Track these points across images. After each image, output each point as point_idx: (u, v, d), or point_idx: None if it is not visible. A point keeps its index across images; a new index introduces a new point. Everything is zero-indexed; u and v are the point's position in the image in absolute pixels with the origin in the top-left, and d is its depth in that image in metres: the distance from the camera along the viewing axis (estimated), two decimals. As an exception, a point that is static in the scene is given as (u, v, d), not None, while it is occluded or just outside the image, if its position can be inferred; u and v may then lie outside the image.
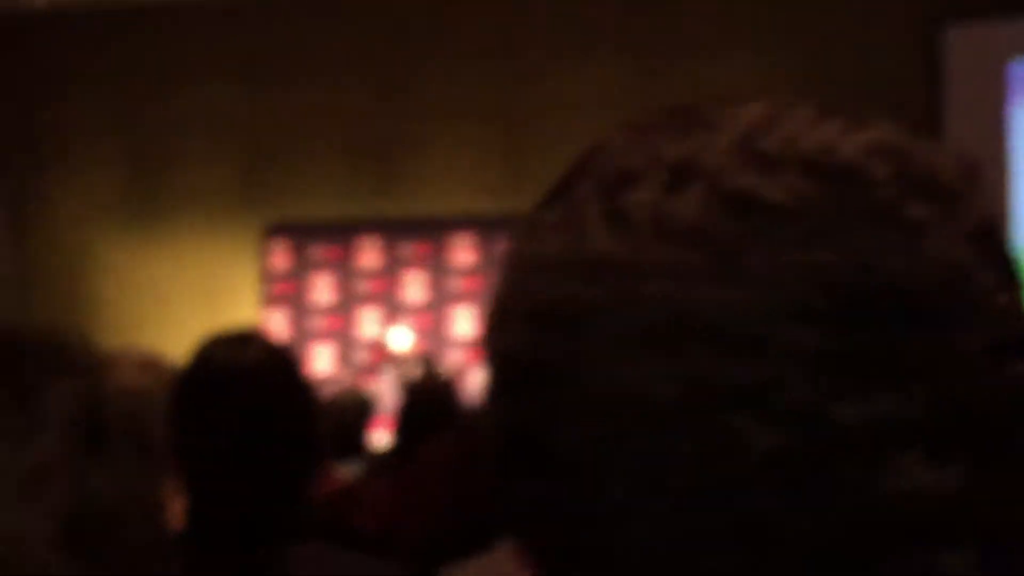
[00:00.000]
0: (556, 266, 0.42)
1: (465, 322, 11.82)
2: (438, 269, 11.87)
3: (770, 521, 0.38)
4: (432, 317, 11.84)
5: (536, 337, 0.42)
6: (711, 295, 0.39)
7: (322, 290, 12.14)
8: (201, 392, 1.77)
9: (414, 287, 11.97)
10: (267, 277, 12.19)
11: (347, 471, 4.32)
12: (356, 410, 4.86)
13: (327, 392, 5.76)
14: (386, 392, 9.59)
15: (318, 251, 12.11)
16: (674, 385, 0.39)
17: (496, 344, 0.45)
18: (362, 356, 11.74)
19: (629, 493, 0.40)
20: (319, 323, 11.99)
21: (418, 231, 11.86)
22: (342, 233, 11.99)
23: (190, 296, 11.86)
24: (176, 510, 1.51)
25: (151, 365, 2.16)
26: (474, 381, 10.45)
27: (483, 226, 11.71)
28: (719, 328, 0.38)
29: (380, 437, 5.57)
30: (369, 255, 12.05)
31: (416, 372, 9.56)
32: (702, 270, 0.39)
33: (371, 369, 11.29)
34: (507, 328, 0.44)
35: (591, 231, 0.42)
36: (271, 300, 12.13)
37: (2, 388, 0.69)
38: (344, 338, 11.90)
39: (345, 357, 11.41)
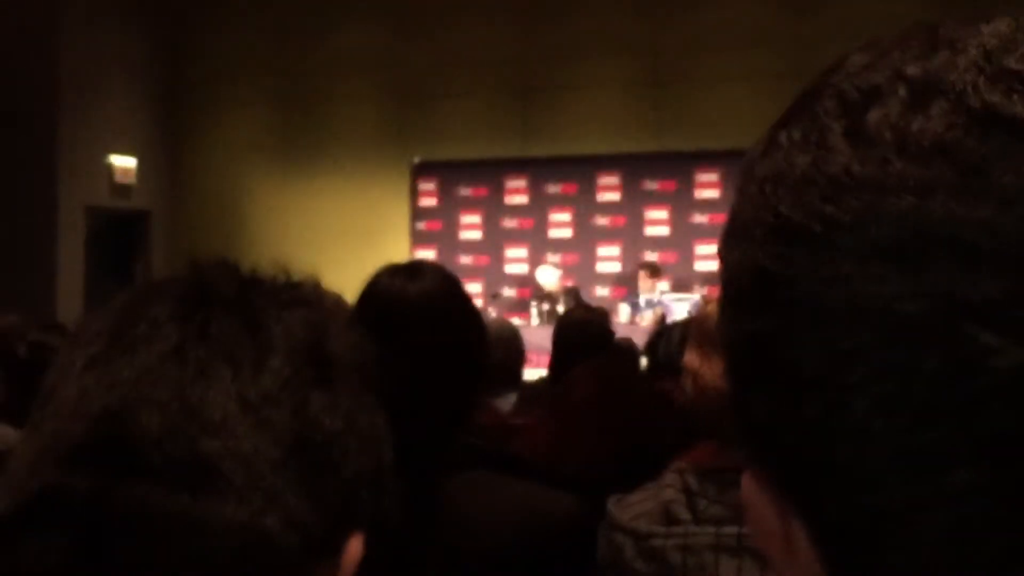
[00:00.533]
0: (799, 184, 0.43)
1: (610, 258, 11.81)
2: (584, 207, 11.86)
3: (1012, 438, 0.38)
4: (578, 254, 11.86)
5: (779, 252, 0.43)
6: (958, 210, 0.39)
7: (470, 228, 12.24)
8: (375, 322, 1.80)
9: (560, 224, 11.98)
10: (416, 215, 12.34)
11: (501, 403, 4.37)
12: (507, 343, 4.87)
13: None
14: (536, 326, 9.64)
15: (466, 190, 12.20)
16: (919, 300, 0.39)
17: (736, 259, 0.46)
18: (510, 292, 11.83)
19: (871, 408, 0.40)
20: (467, 260, 12.11)
21: (563, 169, 11.85)
22: (489, 172, 12.06)
23: (342, 233, 12.06)
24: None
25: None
26: (620, 315, 10.45)
27: (628, 164, 11.65)
28: (965, 243, 0.39)
29: (531, 371, 5.60)
30: (515, 193, 12.10)
31: (565, 306, 9.59)
32: (948, 185, 0.39)
33: (520, 304, 11.37)
34: (748, 243, 0.45)
35: (834, 149, 0.42)
36: (420, 237, 12.29)
37: (233, 317, 0.72)
38: (492, 274, 12.00)
39: (494, 293, 11.49)
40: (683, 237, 11.52)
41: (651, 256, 11.45)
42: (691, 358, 1.83)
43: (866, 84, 0.43)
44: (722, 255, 0.47)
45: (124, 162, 12.18)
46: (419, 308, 1.84)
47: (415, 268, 1.91)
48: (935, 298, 0.39)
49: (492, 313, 9.92)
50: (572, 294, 10.62)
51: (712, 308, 1.85)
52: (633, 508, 1.81)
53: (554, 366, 4.30)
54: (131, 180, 12.29)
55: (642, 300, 10.63)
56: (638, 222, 11.70)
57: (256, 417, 0.67)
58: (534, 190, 12.00)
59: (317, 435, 0.69)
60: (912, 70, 0.42)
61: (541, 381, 4.75)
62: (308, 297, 0.76)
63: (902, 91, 0.42)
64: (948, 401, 0.39)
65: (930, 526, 0.40)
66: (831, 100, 0.44)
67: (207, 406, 0.67)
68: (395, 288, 1.86)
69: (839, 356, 0.41)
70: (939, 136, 0.40)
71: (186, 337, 0.69)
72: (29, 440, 0.70)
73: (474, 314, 1.95)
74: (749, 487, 0.49)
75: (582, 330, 4.97)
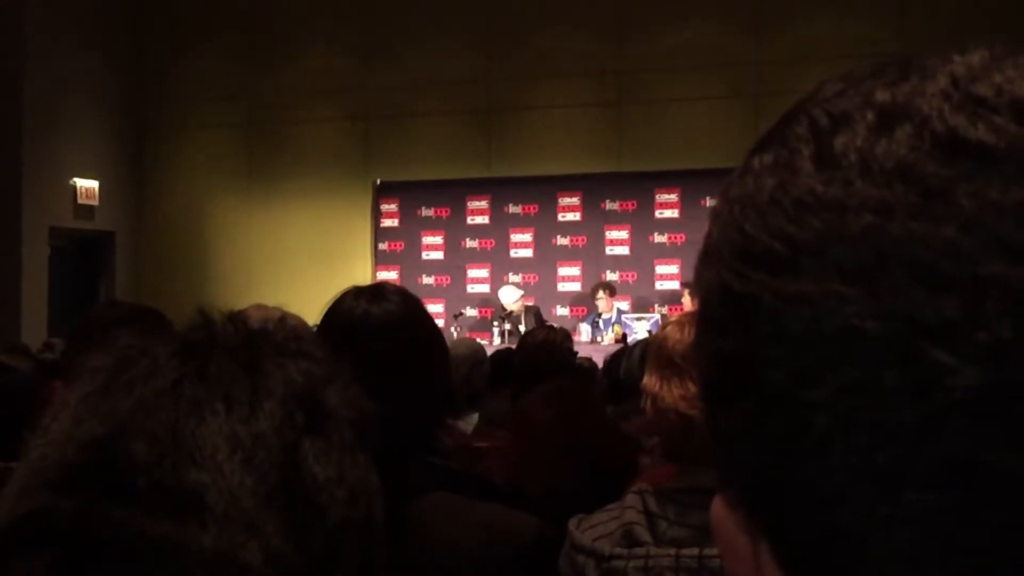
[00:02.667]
0: (765, 205, 0.44)
1: (571, 278, 11.85)
2: (545, 226, 11.90)
3: (969, 458, 0.38)
4: (539, 273, 11.88)
5: (743, 272, 0.44)
6: (918, 231, 0.40)
7: (432, 248, 12.25)
8: (338, 344, 1.80)
9: (521, 244, 12.01)
10: (378, 236, 12.34)
11: (465, 423, 4.37)
12: (471, 363, 4.87)
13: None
14: (497, 345, 9.65)
15: (428, 210, 12.21)
16: (878, 320, 0.40)
17: (707, 278, 0.47)
18: (472, 312, 11.84)
19: (831, 426, 0.41)
20: (429, 280, 12.11)
21: (525, 189, 11.89)
22: (451, 192, 12.08)
23: (306, 253, 12.04)
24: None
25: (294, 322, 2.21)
26: (581, 334, 10.48)
27: (588, 184, 11.70)
28: (925, 264, 0.39)
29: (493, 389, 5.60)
30: (477, 214, 12.13)
31: (527, 325, 9.61)
32: (908, 207, 0.40)
33: (482, 324, 11.38)
34: (717, 263, 0.46)
35: (800, 171, 0.43)
36: (382, 258, 12.28)
37: (234, 360, 0.73)
38: (454, 294, 12.01)
39: (456, 312, 11.50)
40: (643, 256, 11.57)
41: (612, 275, 11.50)
42: (650, 381, 1.85)
43: (836, 109, 0.44)
44: (696, 276, 0.48)
45: (87, 183, 12.12)
46: (382, 330, 1.84)
47: (378, 290, 1.92)
48: (893, 318, 0.39)
49: (455, 333, 9.93)
50: (533, 313, 10.65)
51: (670, 330, 1.86)
52: (595, 529, 1.83)
53: (516, 386, 4.30)
54: (94, 201, 12.24)
55: (602, 319, 10.67)
56: (598, 242, 11.75)
57: (244, 454, 0.68)
58: (495, 210, 12.03)
59: (305, 479, 0.70)
60: (881, 96, 0.43)
61: (504, 402, 4.75)
62: (311, 351, 0.77)
63: (870, 116, 0.43)
64: (905, 421, 0.39)
65: (887, 547, 0.40)
66: (802, 125, 0.45)
67: (198, 440, 0.68)
68: (358, 310, 1.86)
69: (801, 374, 0.41)
70: (902, 159, 0.41)
71: (184, 375, 0.71)
72: (22, 466, 0.71)
73: (437, 336, 1.96)
74: (719, 509, 0.49)
75: (544, 350, 4.99)
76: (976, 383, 0.38)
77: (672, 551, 1.73)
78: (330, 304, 1.91)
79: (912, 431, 0.39)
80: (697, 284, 0.48)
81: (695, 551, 1.71)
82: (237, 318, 0.78)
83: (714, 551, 1.69)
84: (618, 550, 1.77)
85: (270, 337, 0.76)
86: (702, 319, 0.47)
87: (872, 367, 0.40)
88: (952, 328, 0.39)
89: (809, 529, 0.43)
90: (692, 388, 1.78)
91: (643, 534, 1.77)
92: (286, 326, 0.78)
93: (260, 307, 2.79)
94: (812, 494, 0.42)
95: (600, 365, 6.09)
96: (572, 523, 1.86)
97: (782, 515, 0.44)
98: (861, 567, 0.42)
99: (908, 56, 0.45)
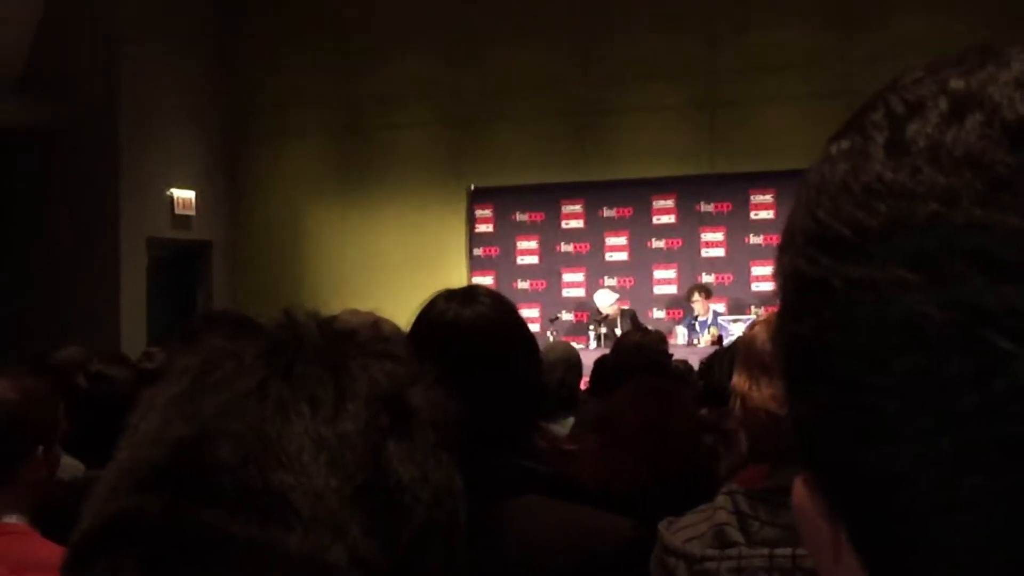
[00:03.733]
0: (837, 191, 0.45)
1: (667, 280, 11.78)
2: (639, 229, 11.85)
3: None
4: (635, 277, 11.84)
5: (813, 257, 0.45)
6: (982, 219, 0.40)
7: (526, 252, 12.27)
8: (429, 347, 1.82)
9: (616, 248, 11.98)
10: (473, 241, 12.39)
11: (560, 427, 4.37)
12: (566, 366, 4.88)
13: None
14: (594, 349, 9.62)
15: (522, 215, 12.24)
16: (941, 307, 0.40)
17: (783, 264, 0.48)
18: (568, 316, 11.84)
19: (898, 411, 0.41)
20: (524, 285, 12.13)
21: (619, 193, 11.85)
22: (545, 197, 12.09)
23: (401, 261, 12.13)
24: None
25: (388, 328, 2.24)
26: (678, 336, 10.41)
27: (683, 186, 11.64)
28: (988, 252, 0.40)
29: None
30: (571, 218, 12.12)
31: (622, 328, 9.58)
32: (974, 194, 0.40)
33: (578, 327, 11.37)
34: (792, 249, 0.47)
35: (872, 157, 0.44)
36: (477, 263, 12.33)
37: (319, 362, 0.75)
38: (550, 298, 12.01)
39: (552, 316, 11.50)
40: (739, 258, 11.47)
41: (707, 278, 11.41)
42: (739, 380, 1.84)
43: (912, 97, 0.45)
44: (775, 262, 0.49)
45: (184, 194, 12.34)
46: (474, 332, 1.85)
47: (470, 293, 1.93)
48: (957, 305, 0.40)
49: (550, 337, 9.93)
50: (629, 316, 10.61)
51: (759, 330, 1.85)
52: (685, 531, 1.82)
53: (611, 389, 4.29)
54: (191, 211, 12.44)
55: (698, 322, 10.60)
56: (694, 244, 11.67)
57: (330, 455, 0.69)
58: (590, 214, 12.01)
59: (389, 480, 0.71)
60: (955, 84, 0.44)
61: (599, 405, 4.75)
62: (396, 352, 0.78)
63: (943, 104, 0.43)
64: (967, 406, 0.40)
65: (949, 531, 0.41)
66: (879, 112, 0.46)
67: (283, 441, 0.68)
68: (450, 313, 1.88)
69: (867, 359, 0.42)
70: (971, 147, 0.41)
71: (270, 376, 0.71)
72: (111, 467, 0.72)
73: (529, 338, 1.96)
74: (800, 492, 0.50)
75: (639, 352, 4.98)
76: None
77: (765, 551, 1.72)
78: (422, 307, 1.93)
79: (973, 417, 0.40)
80: (776, 271, 0.49)
81: (788, 551, 1.70)
82: (322, 319, 0.79)
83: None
84: (710, 551, 1.76)
85: (354, 338, 0.77)
86: (780, 305, 0.48)
87: (936, 353, 0.40)
88: (1014, 316, 0.39)
89: (877, 512, 0.44)
90: (782, 388, 1.76)
91: (735, 535, 1.76)
92: (372, 328, 0.79)
93: (354, 312, 2.83)
94: (879, 478, 0.43)
95: (696, 367, 6.06)
96: (662, 525, 1.86)
97: (853, 498, 0.45)
98: (925, 550, 0.42)
99: (989, 45, 0.45)
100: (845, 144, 0.46)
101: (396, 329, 2.36)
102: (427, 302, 1.92)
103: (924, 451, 0.41)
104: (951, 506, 0.41)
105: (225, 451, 0.68)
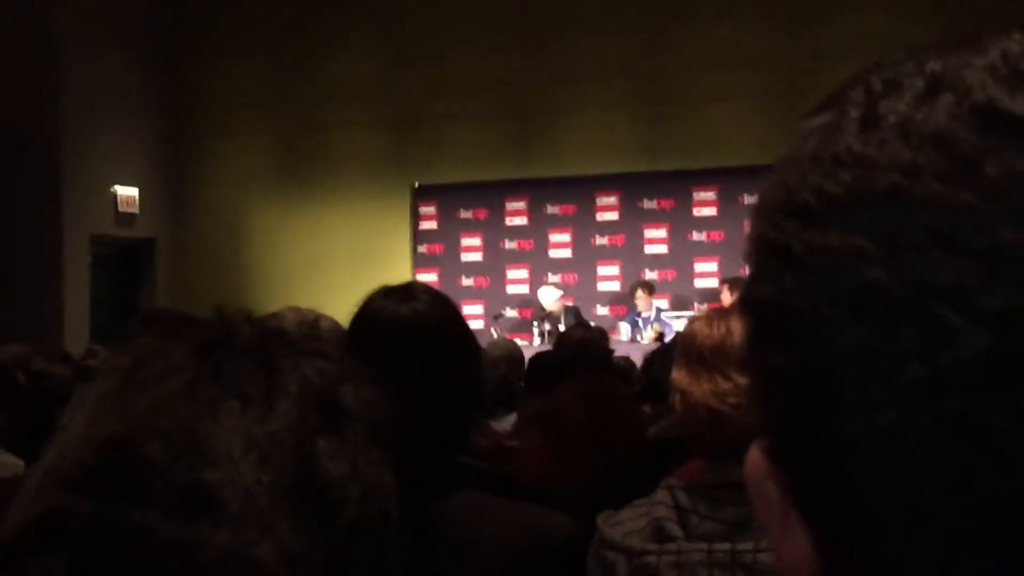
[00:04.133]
0: (807, 161, 0.45)
1: (610, 277, 11.84)
2: (583, 226, 11.89)
3: (970, 421, 0.39)
4: (578, 273, 11.88)
5: (778, 223, 0.46)
6: (940, 195, 0.41)
7: (471, 250, 12.28)
8: (367, 344, 1.82)
9: (560, 245, 12.02)
10: (417, 238, 12.38)
11: (502, 424, 4.36)
12: (508, 363, 4.88)
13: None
14: (537, 346, 9.64)
15: (466, 212, 12.24)
16: (896, 278, 0.41)
17: (752, 233, 0.48)
18: (512, 312, 11.85)
19: (846, 380, 0.42)
20: (469, 281, 12.14)
21: (563, 190, 11.89)
22: (488, 194, 12.09)
23: (345, 258, 12.09)
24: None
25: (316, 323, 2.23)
26: (621, 333, 10.46)
27: (626, 184, 11.69)
28: (944, 227, 0.40)
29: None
30: (515, 215, 12.14)
31: (566, 325, 9.60)
32: (935, 171, 0.41)
33: (522, 324, 11.38)
34: (761, 218, 0.47)
35: (845, 132, 0.45)
36: (421, 261, 12.32)
37: (249, 360, 0.74)
38: (494, 295, 12.02)
39: (496, 313, 11.51)
40: (682, 255, 11.54)
41: (651, 274, 11.48)
42: (679, 376, 1.84)
43: (891, 76, 0.46)
44: (748, 232, 0.49)
45: (127, 191, 12.23)
46: (411, 329, 1.85)
47: (408, 290, 1.92)
48: (910, 277, 0.40)
49: (495, 334, 9.94)
50: (573, 313, 10.64)
51: (698, 326, 1.86)
52: (624, 525, 1.82)
53: (550, 385, 4.29)
54: (135, 209, 12.35)
55: (641, 318, 10.66)
56: (637, 241, 11.73)
57: (259, 453, 0.69)
58: (534, 211, 12.03)
59: (319, 477, 0.71)
60: (932, 65, 0.45)
61: (539, 402, 4.74)
62: (327, 350, 0.77)
63: (918, 83, 0.44)
64: (913, 378, 0.40)
65: (891, 504, 0.41)
66: (857, 90, 0.46)
67: (213, 440, 0.68)
68: (387, 310, 1.87)
69: (824, 326, 0.43)
70: (939, 125, 0.42)
71: (200, 375, 0.71)
72: (39, 466, 0.72)
73: (467, 335, 1.96)
74: (755, 457, 0.50)
75: (581, 349, 4.98)
76: (984, 347, 0.39)
77: (704, 546, 1.72)
78: (360, 304, 1.92)
79: (919, 390, 0.40)
80: (747, 238, 0.49)
81: (727, 546, 1.70)
82: (254, 317, 0.78)
83: (747, 546, 1.68)
84: (649, 545, 1.76)
85: (286, 336, 0.77)
86: (748, 272, 0.49)
87: (887, 324, 0.41)
88: (965, 292, 0.40)
89: (823, 480, 0.44)
90: (722, 383, 1.77)
91: (674, 529, 1.76)
92: (304, 326, 0.79)
93: (295, 309, 2.81)
94: (828, 445, 0.43)
95: (639, 364, 6.08)
96: (601, 519, 1.86)
97: (802, 464, 0.45)
98: (867, 522, 0.43)
99: (978, 33, 0.46)
100: (822, 119, 0.47)
101: (336, 326, 2.35)
102: (365, 299, 1.92)
103: (871, 421, 0.41)
104: (891, 479, 0.41)
105: (154, 450, 0.67)
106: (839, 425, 0.42)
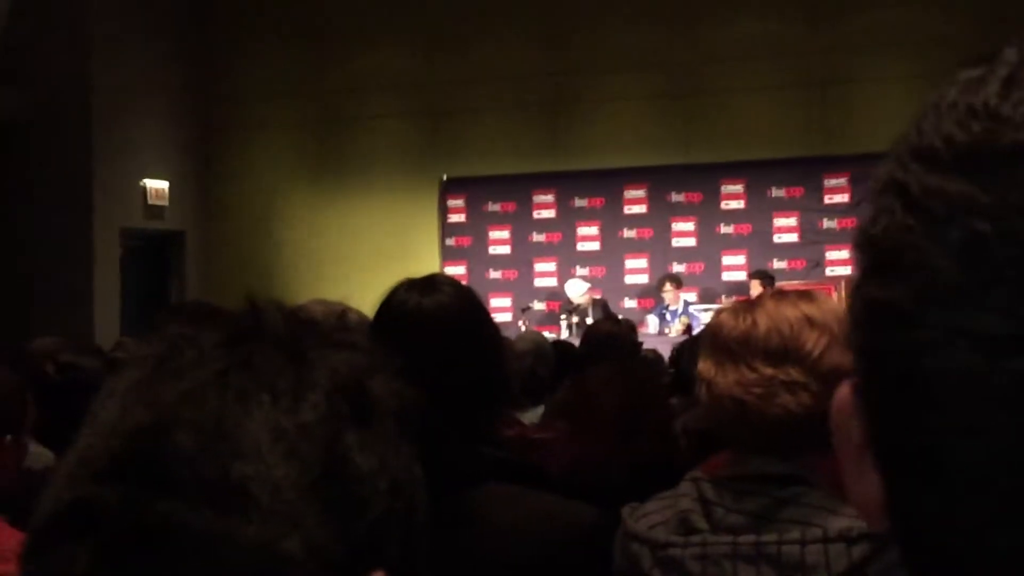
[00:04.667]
0: (945, 109, 0.46)
1: (638, 270, 11.81)
2: (611, 219, 11.88)
3: None
4: (606, 266, 11.87)
5: (905, 164, 0.47)
6: None
7: (499, 243, 12.28)
8: (391, 336, 1.82)
9: (588, 238, 12.01)
10: (445, 231, 12.38)
11: (530, 416, 4.36)
12: (535, 355, 4.87)
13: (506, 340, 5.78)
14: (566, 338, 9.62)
15: (494, 205, 12.24)
16: (1000, 235, 0.42)
17: (877, 173, 0.49)
18: (540, 305, 11.85)
19: (942, 324, 0.43)
20: (496, 274, 12.14)
21: (590, 183, 11.87)
22: (517, 187, 12.09)
23: (373, 251, 12.11)
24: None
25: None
26: (649, 326, 10.44)
27: (654, 177, 11.66)
28: None
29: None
30: (543, 208, 12.13)
31: (594, 318, 9.59)
32: None
33: (550, 317, 11.38)
34: (890, 159, 0.48)
35: (988, 86, 0.45)
36: (450, 253, 12.33)
37: (279, 351, 0.74)
38: (522, 288, 12.02)
39: (524, 306, 11.51)
40: (710, 248, 11.51)
41: (678, 267, 11.45)
42: (705, 367, 1.83)
43: None
44: (872, 176, 0.51)
45: (157, 184, 12.29)
46: (435, 321, 1.85)
47: (431, 282, 1.93)
48: (1014, 236, 0.41)
49: (523, 327, 9.94)
50: (600, 306, 10.63)
51: (724, 317, 1.85)
52: (649, 517, 1.82)
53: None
54: (164, 201, 12.40)
55: (669, 311, 10.63)
56: (665, 234, 11.70)
57: (288, 446, 0.69)
58: (562, 204, 12.02)
59: (347, 470, 0.71)
60: None
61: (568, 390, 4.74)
62: (357, 341, 0.77)
63: None
64: (998, 334, 0.41)
65: (958, 457, 0.42)
66: (1012, 50, 0.47)
67: (242, 431, 0.68)
68: (411, 302, 1.88)
69: (924, 263, 0.44)
70: None
71: (230, 365, 0.71)
72: (69, 454, 0.72)
73: (491, 327, 1.96)
74: (844, 394, 0.51)
75: (609, 341, 4.98)
76: None
77: (729, 538, 1.72)
78: (383, 297, 1.92)
79: (1002, 345, 0.41)
80: (872, 178, 0.50)
81: (752, 538, 1.70)
82: (285, 307, 0.78)
83: (771, 538, 1.68)
84: (674, 538, 1.76)
85: (316, 327, 0.77)
86: (870, 211, 0.49)
87: (983, 276, 0.42)
88: None
89: (902, 420, 0.45)
90: (747, 374, 1.76)
91: (699, 521, 1.76)
92: (336, 318, 0.79)
93: (321, 302, 2.82)
94: (912, 385, 0.44)
95: (667, 357, 6.07)
96: (626, 511, 1.86)
97: (886, 402, 0.46)
98: (934, 469, 0.44)
99: None
100: (972, 72, 0.47)
101: (363, 319, 2.35)
102: (389, 292, 1.92)
103: (953, 365, 0.42)
104: (963, 427, 0.42)
105: (183, 440, 0.68)
106: (925, 365, 0.43)
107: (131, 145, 11.88)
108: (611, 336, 5.00)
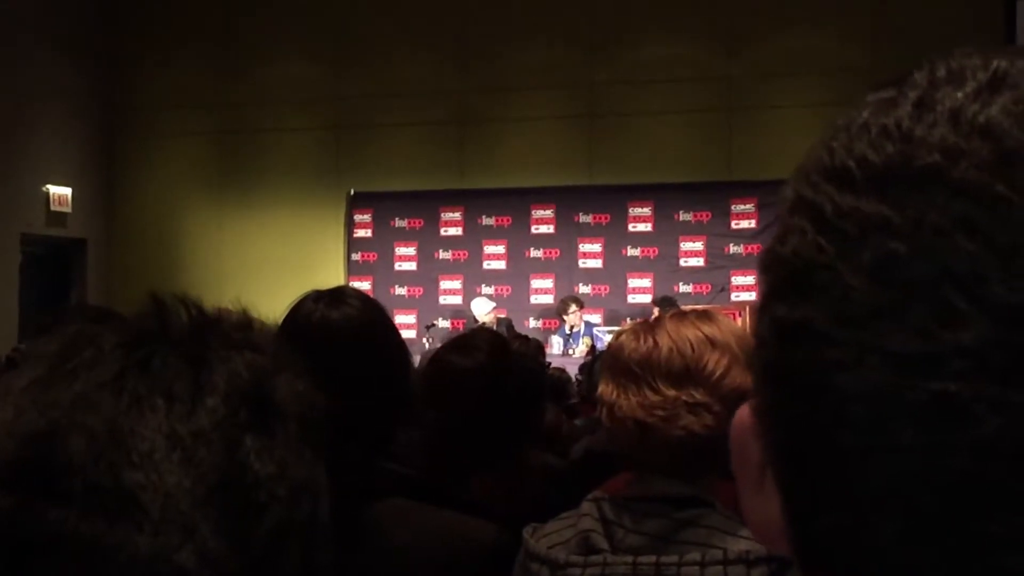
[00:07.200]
0: (856, 130, 0.46)
1: (544, 290, 11.86)
2: (518, 239, 11.91)
3: (962, 406, 0.40)
4: (512, 285, 11.89)
5: (817, 184, 0.46)
6: (977, 183, 0.42)
7: (405, 259, 12.25)
8: (296, 348, 1.78)
9: (494, 256, 12.03)
10: (351, 246, 12.33)
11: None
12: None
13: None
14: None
15: (401, 221, 12.21)
16: (914, 255, 0.42)
17: (785, 193, 0.49)
18: (445, 323, 11.83)
19: (853, 343, 0.43)
20: (402, 291, 12.11)
21: (498, 202, 11.90)
22: (424, 203, 12.08)
23: (278, 263, 12.01)
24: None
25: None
26: (553, 346, 10.48)
27: (562, 197, 11.73)
28: (972, 215, 0.41)
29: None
30: (450, 225, 12.13)
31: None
32: (978, 161, 0.42)
33: (453, 335, 11.36)
34: (798, 179, 0.48)
35: (899, 108, 0.46)
36: (355, 268, 12.27)
37: (179, 353, 0.72)
38: (427, 305, 12.00)
39: (428, 323, 11.48)
40: (616, 270, 11.60)
41: (584, 288, 11.52)
42: (607, 389, 1.84)
43: (957, 66, 0.46)
44: (779, 194, 0.50)
45: (60, 190, 12.09)
46: (341, 334, 1.84)
47: (338, 294, 1.92)
48: (929, 256, 0.41)
49: (426, 344, 9.91)
50: (505, 325, 10.63)
51: (625, 339, 1.86)
52: (550, 537, 1.82)
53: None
54: (67, 208, 12.21)
55: (573, 332, 10.69)
56: (571, 254, 11.77)
57: (183, 453, 0.67)
58: (469, 222, 12.04)
59: (245, 477, 0.69)
60: (999, 64, 0.45)
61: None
62: (260, 342, 0.75)
63: (981, 77, 0.45)
64: (914, 354, 0.41)
65: (870, 475, 0.42)
66: (922, 74, 0.47)
67: (136, 437, 0.66)
68: (317, 314, 1.86)
69: (835, 284, 0.44)
70: (991, 118, 0.43)
71: (127, 367, 0.69)
72: None
73: (398, 341, 1.95)
74: (744, 414, 0.51)
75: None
76: (986, 337, 0.40)
77: (629, 559, 1.72)
78: (290, 308, 1.91)
79: (915, 364, 0.41)
80: (778, 199, 0.50)
81: (652, 559, 1.70)
82: (192, 305, 0.76)
83: (672, 559, 1.68)
84: (574, 558, 1.76)
85: (220, 327, 0.75)
86: (776, 232, 0.49)
87: (897, 296, 0.42)
88: (978, 280, 0.40)
89: (805, 441, 0.45)
90: (650, 396, 1.77)
91: (600, 542, 1.76)
92: (240, 312, 0.77)
93: (225, 312, 2.79)
94: (816, 404, 0.44)
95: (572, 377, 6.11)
96: (527, 531, 1.85)
97: (788, 423, 0.46)
98: (837, 489, 0.43)
99: None
100: (882, 94, 0.48)
101: (271, 331, 2.32)
102: (295, 303, 1.90)
103: (862, 384, 0.42)
104: (869, 446, 0.42)
105: (77, 448, 0.66)
106: (837, 382, 0.43)
107: (33, 151, 11.71)
108: (519, 355, 4.99)
